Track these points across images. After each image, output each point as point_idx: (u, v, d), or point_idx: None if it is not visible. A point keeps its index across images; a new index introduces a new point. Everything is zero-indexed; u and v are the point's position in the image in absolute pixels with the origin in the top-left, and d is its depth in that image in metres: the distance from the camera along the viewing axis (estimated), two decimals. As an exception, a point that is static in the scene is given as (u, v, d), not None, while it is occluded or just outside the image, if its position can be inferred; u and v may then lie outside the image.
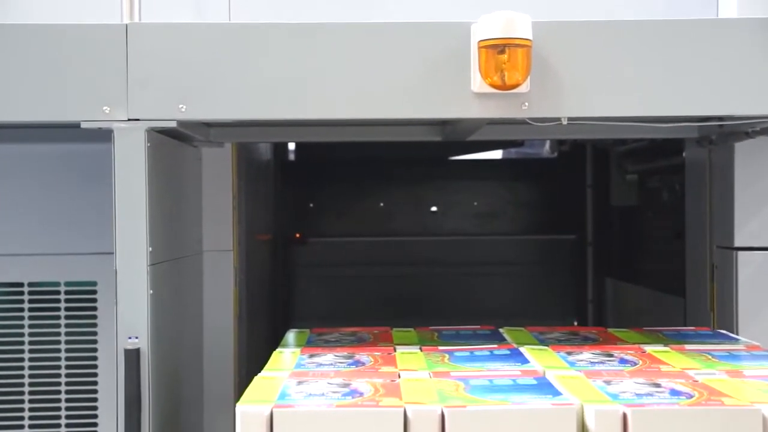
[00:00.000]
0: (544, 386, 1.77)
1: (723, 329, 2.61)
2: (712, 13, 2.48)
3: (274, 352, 2.16)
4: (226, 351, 2.84)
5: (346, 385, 1.77)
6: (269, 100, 2.13)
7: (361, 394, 1.71)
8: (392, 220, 4.63)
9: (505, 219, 4.65)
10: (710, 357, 2.05)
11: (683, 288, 2.97)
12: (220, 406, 2.75)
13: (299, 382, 1.81)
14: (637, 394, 1.69)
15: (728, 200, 2.59)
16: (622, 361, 2.01)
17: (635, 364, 1.98)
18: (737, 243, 2.56)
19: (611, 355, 2.07)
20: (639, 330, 2.43)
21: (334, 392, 1.73)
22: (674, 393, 1.70)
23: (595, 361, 2.01)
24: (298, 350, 2.18)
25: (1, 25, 2.12)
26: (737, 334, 2.51)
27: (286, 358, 2.11)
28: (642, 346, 2.18)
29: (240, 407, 1.64)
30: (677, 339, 2.29)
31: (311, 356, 2.09)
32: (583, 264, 4.54)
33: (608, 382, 1.79)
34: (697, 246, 2.84)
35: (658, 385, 1.76)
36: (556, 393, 1.71)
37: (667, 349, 2.14)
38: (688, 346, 2.18)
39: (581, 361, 2.01)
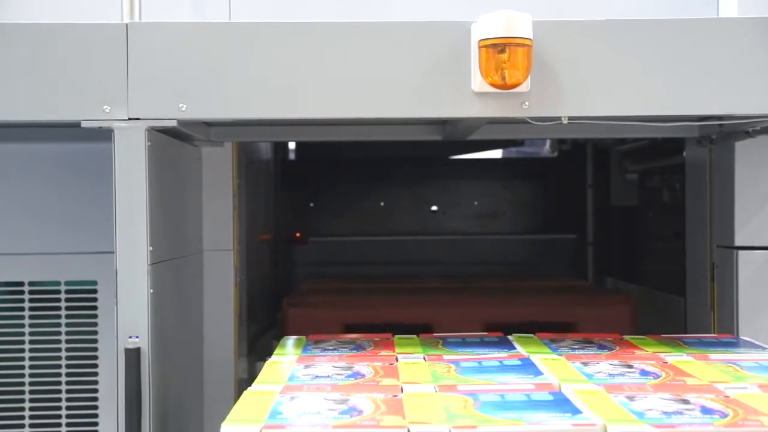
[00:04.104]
0: (561, 403, 1.65)
1: (723, 329, 2.61)
2: (712, 12, 2.48)
3: (267, 362, 2.07)
4: (226, 351, 2.84)
5: (343, 402, 1.66)
6: (269, 100, 2.13)
7: (360, 412, 1.60)
8: (392, 220, 4.63)
9: (505, 219, 4.65)
10: (738, 368, 1.94)
11: (683, 287, 2.97)
12: (220, 406, 2.74)
13: (292, 398, 1.70)
14: (665, 412, 1.57)
15: (728, 199, 2.59)
16: (644, 372, 1.90)
17: (658, 376, 1.86)
18: (737, 242, 2.56)
19: (631, 366, 1.95)
20: (657, 337, 2.33)
21: (330, 409, 1.61)
22: (705, 411, 1.58)
23: (614, 372, 1.90)
24: (293, 360, 2.08)
25: (1, 24, 2.12)
26: (737, 333, 2.51)
27: (279, 369, 2.00)
28: (662, 355, 2.07)
29: (225, 427, 1.53)
30: (699, 347, 2.18)
31: (307, 366, 1.98)
32: (584, 264, 4.54)
33: (631, 398, 1.66)
34: (697, 245, 2.84)
35: (686, 402, 1.64)
36: (576, 411, 1.58)
37: (690, 359, 2.03)
38: (712, 356, 2.06)
39: (599, 372, 1.90)
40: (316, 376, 1.90)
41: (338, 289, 3.73)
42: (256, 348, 3.23)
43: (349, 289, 3.73)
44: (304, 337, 2.37)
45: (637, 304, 3.25)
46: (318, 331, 3.01)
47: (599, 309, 3.21)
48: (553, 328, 3.22)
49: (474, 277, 4.12)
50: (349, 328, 3.09)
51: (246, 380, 2.96)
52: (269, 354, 2.18)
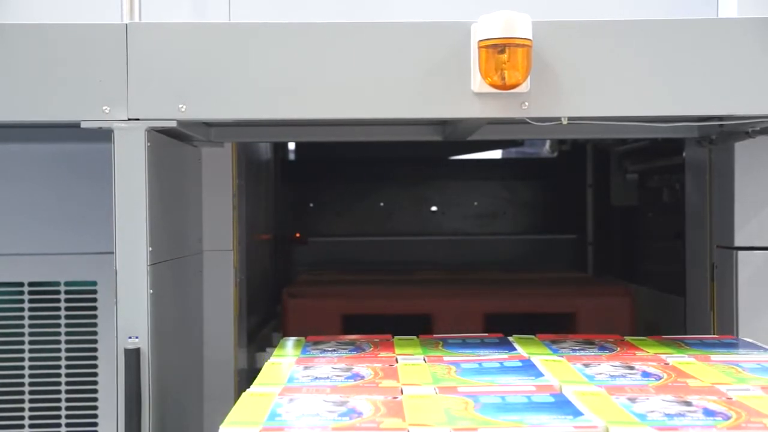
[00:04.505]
0: (562, 404, 1.63)
1: (723, 329, 2.61)
2: (712, 12, 2.48)
3: (266, 364, 2.06)
4: (226, 351, 2.84)
5: (343, 403, 1.64)
6: (269, 100, 2.13)
7: (360, 414, 1.57)
8: (392, 220, 4.63)
9: (505, 219, 4.65)
10: (740, 370, 1.92)
11: (683, 288, 2.97)
12: (220, 406, 2.74)
13: (291, 400, 1.67)
14: (667, 414, 1.55)
15: (728, 200, 2.59)
16: (645, 374, 1.88)
17: (660, 378, 1.85)
18: (737, 243, 2.56)
19: (632, 368, 1.93)
20: (658, 338, 2.32)
21: (330, 411, 1.59)
22: (708, 413, 1.56)
23: (616, 374, 1.88)
24: (292, 361, 2.05)
25: (1, 24, 2.12)
26: (737, 334, 2.51)
27: (278, 370, 1.98)
28: (664, 356, 2.06)
29: (224, 429, 1.51)
30: (700, 349, 2.17)
31: (306, 368, 1.96)
32: (583, 264, 4.54)
33: (633, 400, 1.64)
34: (697, 246, 2.84)
35: (688, 404, 1.62)
36: (577, 413, 1.57)
37: (691, 360, 2.02)
38: (713, 357, 2.05)
39: (600, 374, 1.88)
40: (316, 378, 1.88)
41: (338, 280, 3.72)
42: (255, 341, 3.23)
43: (348, 280, 3.71)
44: (303, 338, 2.36)
45: (637, 305, 3.24)
46: (317, 320, 3.01)
47: (599, 299, 3.20)
48: (554, 319, 3.23)
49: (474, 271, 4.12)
50: (349, 319, 3.10)
51: (245, 370, 2.96)
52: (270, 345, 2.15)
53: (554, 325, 3.26)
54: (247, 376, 2.95)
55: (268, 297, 3.81)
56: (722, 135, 2.61)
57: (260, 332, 3.40)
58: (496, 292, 3.32)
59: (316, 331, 3.03)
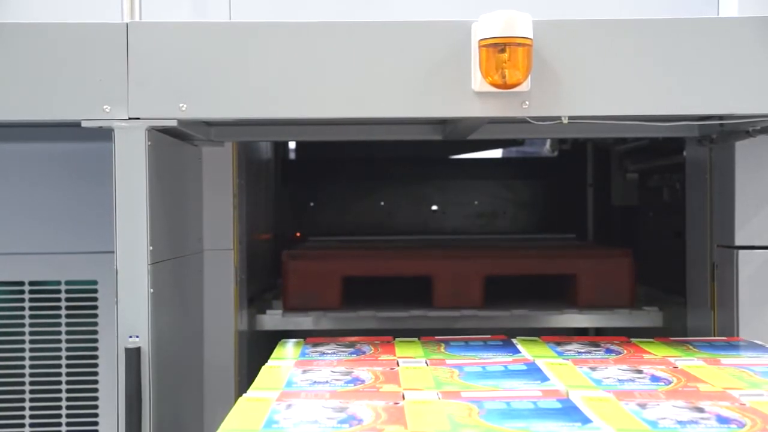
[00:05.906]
0: (570, 411, 1.58)
1: (723, 329, 2.61)
2: (712, 12, 2.48)
3: (264, 367, 2.02)
4: (227, 350, 2.84)
5: (343, 409, 1.59)
6: (269, 100, 2.13)
7: (360, 420, 1.53)
8: (392, 219, 4.62)
9: (505, 218, 4.65)
10: (751, 373, 1.87)
11: (683, 287, 2.97)
12: (219, 407, 2.75)
13: (289, 405, 1.63)
14: (679, 421, 1.50)
15: (729, 199, 2.59)
16: (654, 378, 1.83)
17: (669, 382, 1.80)
18: (738, 242, 2.56)
19: (640, 372, 1.88)
20: (665, 340, 2.28)
21: (329, 418, 1.54)
22: (721, 420, 1.51)
23: (624, 378, 1.84)
24: (290, 364, 2.01)
25: (1, 24, 2.12)
26: (738, 333, 2.51)
27: (276, 374, 1.94)
28: (672, 360, 2.02)
29: None
30: (709, 351, 2.13)
31: (305, 372, 1.92)
32: (584, 263, 4.53)
33: (643, 406, 1.59)
34: (697, 245, 2.84)
35: (700, 410, 1.57)
36: (586, 420, 1.52)
37: (701, 363, 1.97)
38: (723, 360, 2.01)
39: (608, 378, 1.83)
40: (315, 382, 1.84)
41: (339, 245, 3.70)
42: (255, 340, 3.23)
43: (349, 245, 3.68)
44: (302, 340, 2.34)
45: (635, 268, 3.23)
46: (318, 282, 2.99)
47: (599, 261, 3.17)
48: (554, 281, 3.20)
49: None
50: (349, 281, 3.08)
51: (245, 369, 2.96)
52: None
53: (555, 287, 3.26)
54: (248, 375, 2.96)
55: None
56: (723, 134, 2.61)
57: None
58: (497, 253, 3.28)
59: (316, 293, 3.01)
